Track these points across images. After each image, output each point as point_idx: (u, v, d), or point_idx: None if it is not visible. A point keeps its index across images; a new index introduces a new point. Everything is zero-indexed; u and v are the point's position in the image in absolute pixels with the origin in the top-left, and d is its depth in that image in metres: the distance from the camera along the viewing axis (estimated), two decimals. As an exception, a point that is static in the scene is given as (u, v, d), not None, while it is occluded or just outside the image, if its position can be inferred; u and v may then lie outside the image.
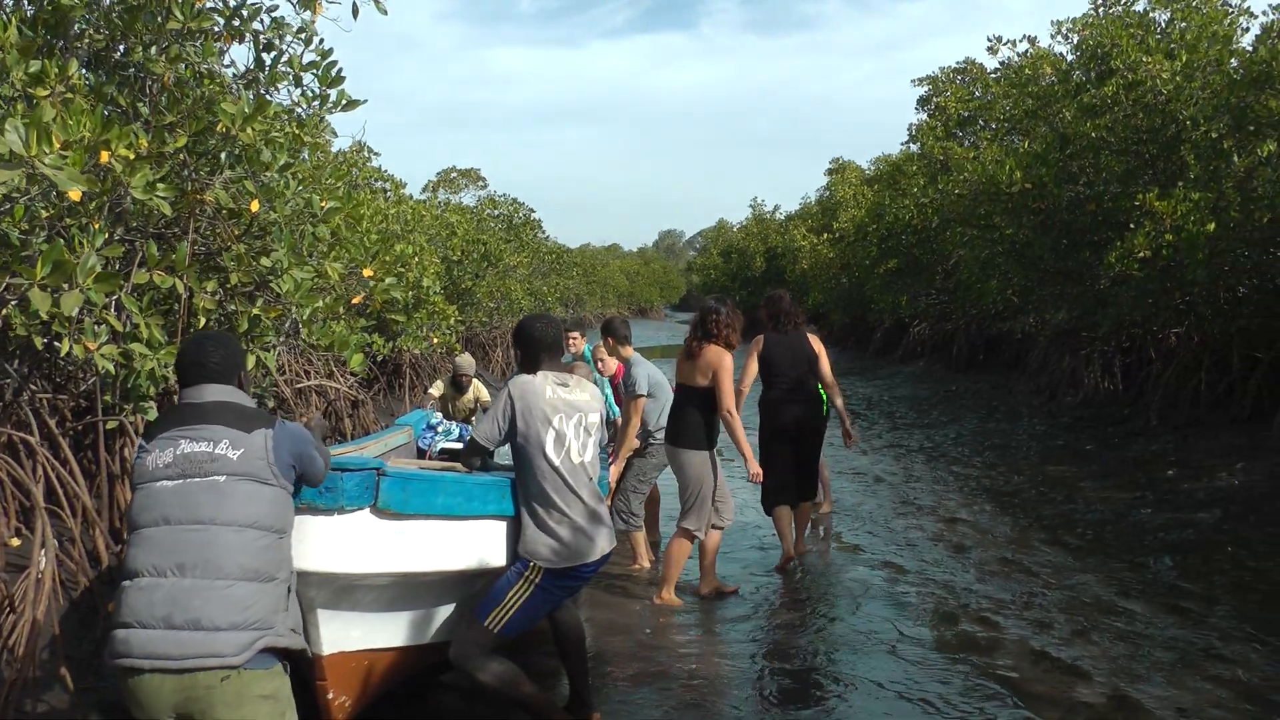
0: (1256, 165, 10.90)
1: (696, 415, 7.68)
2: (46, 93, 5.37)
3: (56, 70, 5.32)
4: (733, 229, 66.85)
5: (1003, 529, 10.19)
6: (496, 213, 31.22)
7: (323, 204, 7.19)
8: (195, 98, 6.55)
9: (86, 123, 4.86)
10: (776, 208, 61.06)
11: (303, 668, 5.09)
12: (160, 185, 5.68)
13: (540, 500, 5.20)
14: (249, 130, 6.44)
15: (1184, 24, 14.75)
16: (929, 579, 8.45)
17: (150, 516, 3.52)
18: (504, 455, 5.65)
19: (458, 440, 10.04)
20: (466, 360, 11.28)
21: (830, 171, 45.31)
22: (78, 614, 5.89)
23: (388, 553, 4.79)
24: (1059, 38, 17.38)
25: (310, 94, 6.97)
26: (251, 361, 7.13)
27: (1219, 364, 14.12)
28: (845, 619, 7.53)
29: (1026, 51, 18.74)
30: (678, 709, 5.98)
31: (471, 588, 5.49)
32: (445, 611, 5.47)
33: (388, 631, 5.15)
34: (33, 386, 6.68)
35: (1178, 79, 13.65)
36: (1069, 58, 17.16)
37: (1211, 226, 11.65)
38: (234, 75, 6.99)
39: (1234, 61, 12.44)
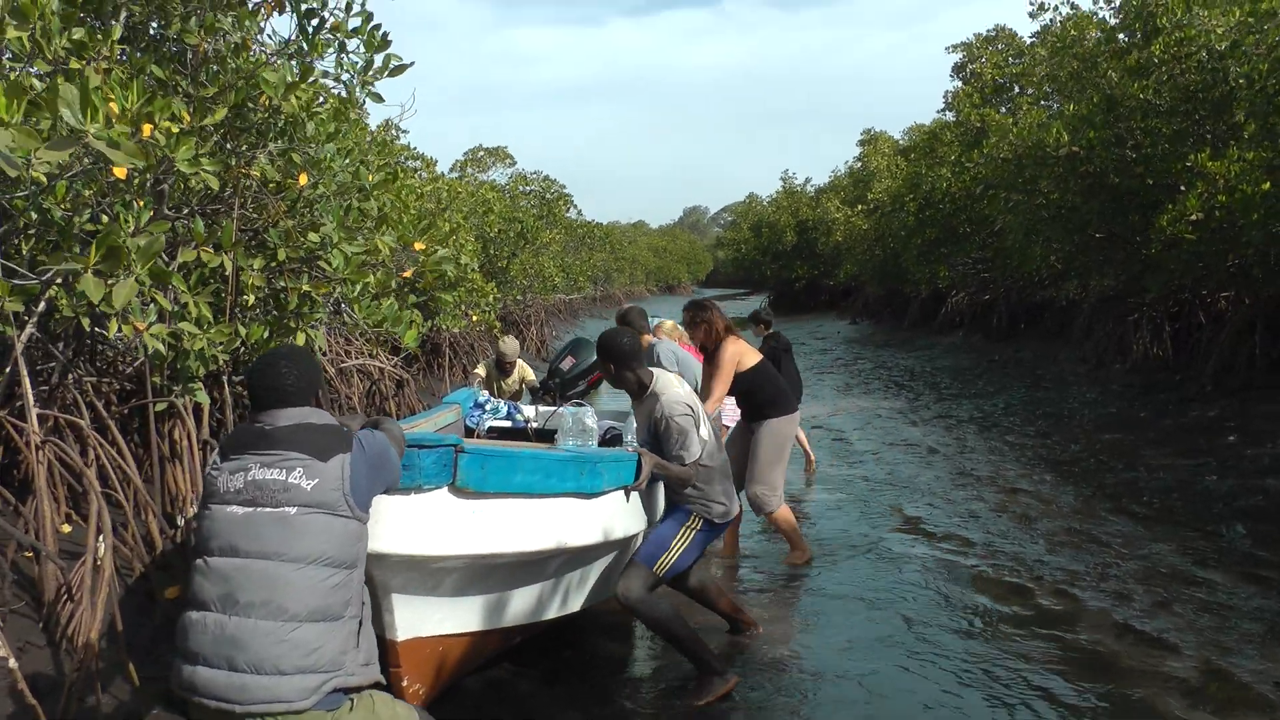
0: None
1: None
2: (84, 64, 5.18)
3: (99, 38, 5.11)
4: (763, 203, 66.32)
5: (1066, 499, 9.93)
6: (529, 189, 30.96)
7: (370, 177, 6.97)
8: (235, 69, 6.34)
9: (130, 96, 4.65)
10: (807, 180, 60.61)
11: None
12: (205, 160, 5.47)
13: (711, 477, 5.78)
14: (292, 100, 6.24)
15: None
16: (997, 551, 8.21)
17: (218, 544, 3.35)
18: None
19: (506, 418, 9.83)
20: (511, 345, 11.06)
21: (862, 142, 44.77)
22: (134, 600, 5.71)
23: (466, 533, 4.58)
24: (1101, 1, 17.06)
25: (355, 61, 6.73)
26: (300, 340, 6.95)
27: (1272, 327, 13.79)
28: (917, 594, 7.29)
29: (1069, 16, 18.34)
30: (759, 675, 5.87)
31: (550, 568, 5.31)
32: (524, 593, 5.28)
33: (464, 615, 4.95)
34: (78, 370, 6.51)
35: (1233, 35, 13.30)
36: (1111, 21, 16.81)
37: (1266, 186, 11.35)
38: (277, 44, 6.76)
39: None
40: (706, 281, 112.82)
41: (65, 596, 5.19)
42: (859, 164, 44.39)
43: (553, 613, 5.61)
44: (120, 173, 4.94)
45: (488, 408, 9.89)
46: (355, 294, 6.71)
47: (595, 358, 10.33)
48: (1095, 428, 13.46)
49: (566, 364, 10.86)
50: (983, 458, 12.23)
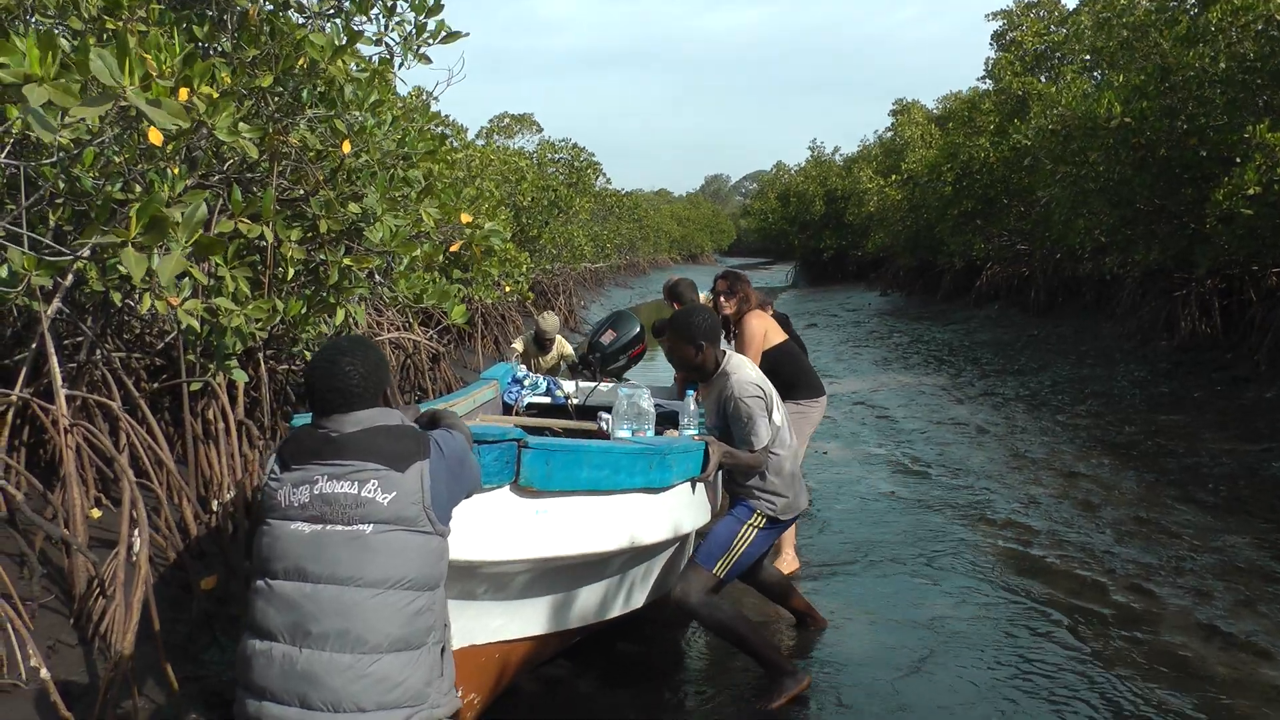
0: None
1: None
2: (119, 24, 4.84)
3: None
4: (790, 172, 65.65)
5: (1128, 485, 9.53)
6: (557, 157, 30.50)
7: (418, 145, 6.62)
8: (279, 30, 5.98)
9: (166, 57, 4.29)
10: (836, 150, 59.98)
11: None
12: (243, 125, 5.12)
13: (780, 469, 5.42)
14: (338, 64, 5.89)
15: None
16: (1064, 541, 7.83)
17: (282, 566, 2.97)
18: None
19: (545, 394, 9.51)
20: (551, 322, 10.70)
21: (894, 112, 44.09)
22: (169, 593, 5.39)
23: (529, 536, 4.22)
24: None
25: (404, 24, 6.36)
26: (341, 317, 6.63)
27: (1331, 305, 13.34)
28: (987, 586, 6.94)
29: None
30: (830, 673, 5.55)
31: (615, 565, 4.97)
32: (587, 593, 4.94)
33: (523, 620, 4.60)
34: (106, 346, 6.20)
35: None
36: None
37: (1329, 159, 10.96)
38: (317, 3, 6.40)
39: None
40: (729, 251, 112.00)
41: (98, 591, 4.87)
42: (891, 134, 43.79)
43: (616, 611, 5.27)
44: (155, 138, 4.60)
45: (526, 383, 9.56)
46: (403, 267, 6.37)
47: (637, 331, 10.01)
48: (1148, 408, 13.05)
49: (607, 338, 10.42)
50: (1035, 439, 11.82)
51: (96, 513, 5.61)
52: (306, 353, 6.71)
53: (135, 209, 3.67)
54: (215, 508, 6.21)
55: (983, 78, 29.09)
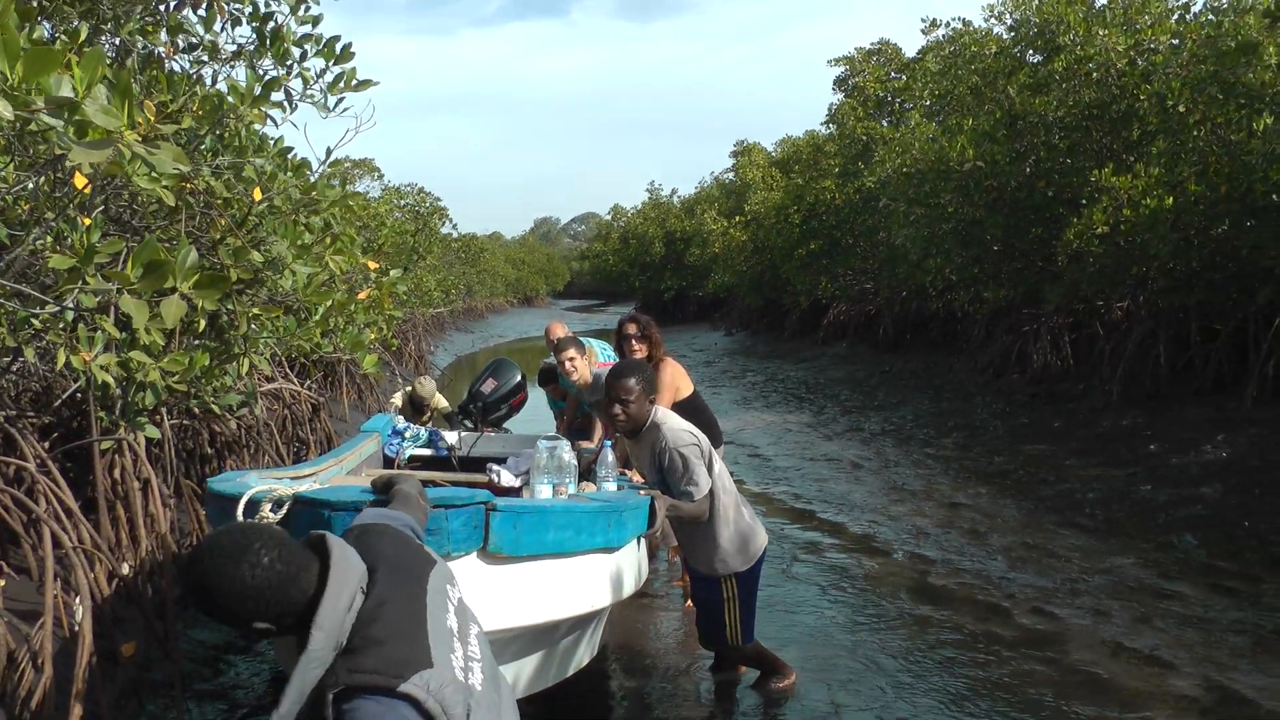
0: (1246, 139, 10.84)
1: None
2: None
3: (66, 39, 4.64)
4: (628, 213, 66.25)
5: (1009, 512, 9.88)
6: (403, 203, 30.21)
7: (328, 191, 6.53)
8: (188, 75, 5.87)
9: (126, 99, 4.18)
10: (674, 191, 60.80)
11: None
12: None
13: (726, 518, 5.41)
14: (256, 111, 5.79)
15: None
16: (960, 569, 8.07)
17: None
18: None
19: (427, 445, 9.37)
20: (428, 388, 10.29)
21: (736, 153, 44.92)
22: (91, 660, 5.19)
23: (499, 606, 4.00)
24: (994, 20, 17.31)
25: (309, 72, 6.27)
26: (245, 367, 6.48)
27: (1175, 338, 14.02)
28: (893, 618, 7.10)
29: (961, 31, 18.55)
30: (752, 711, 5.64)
31: (572, 626, 4.89)
32: (544, 657, 4.79)
33: None
34: (7, 407, 5.95)
35: (1132, 53, 13.59)
36: (1006, 37, 17.10)
37: (1170, 201, 11.63)
38: (230, 50, 6.28)
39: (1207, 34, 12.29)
40: (563, 293, 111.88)
41: (26, 663, 4.65)
42: (731, 175, 44.56)
43: (573, 669, 5.13)
44: (80, 182, 4.49)
45: (407, 435, 9.41)
46: (318, 316, 6.27)
47: (519, 380, 9.96)
48: (1012, 438, 13.51)
49: (488, 387, 10.24)
50: (909, 471, 12.16)
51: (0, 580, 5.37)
52: (215, 407, 6.55)
53: (134, 254, 3.56)
54: (125, 570, 5.99)
55: (826, 122, 29.87)
